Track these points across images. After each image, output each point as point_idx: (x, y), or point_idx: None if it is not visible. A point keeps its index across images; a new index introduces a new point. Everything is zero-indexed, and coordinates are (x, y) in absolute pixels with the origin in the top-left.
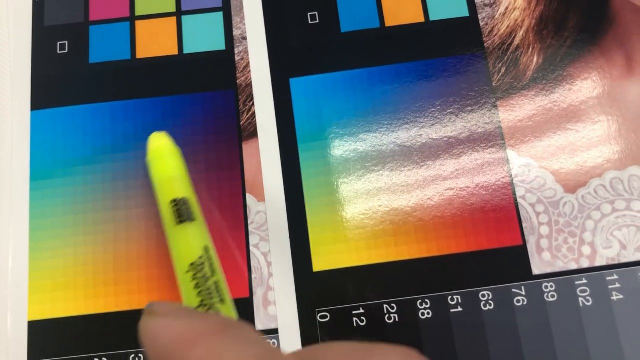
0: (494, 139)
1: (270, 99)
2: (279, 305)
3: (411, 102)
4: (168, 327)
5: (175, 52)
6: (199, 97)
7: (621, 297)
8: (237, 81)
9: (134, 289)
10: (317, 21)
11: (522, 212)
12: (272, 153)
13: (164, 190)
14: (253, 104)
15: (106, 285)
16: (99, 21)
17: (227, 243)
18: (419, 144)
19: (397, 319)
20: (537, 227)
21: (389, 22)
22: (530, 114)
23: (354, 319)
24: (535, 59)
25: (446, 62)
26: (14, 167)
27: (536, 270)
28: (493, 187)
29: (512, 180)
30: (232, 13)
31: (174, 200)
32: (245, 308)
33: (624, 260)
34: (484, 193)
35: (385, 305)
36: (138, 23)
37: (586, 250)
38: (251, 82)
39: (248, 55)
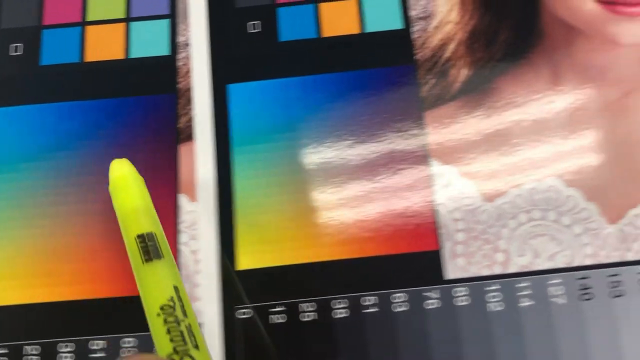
0: (419, 147)
1: (208, 104)
2: (203, 301)
3: (343, 111)
4: None
5: (122, 56)
6: (142, 100)
7: (531, 303)
8: (178, 85)
9: (70, 281)
10: (258, 30)
11: (440, 219)
12: (207, 155)
13: (128, 224)
14: (192, 108)
15: (45, 276)
16: (51, 25)
17: None
18: (348, 150)
19: (314, 318)
20: (453, 234)
21: (326, 32)
22: (455, 124)
23: (273, 316)
24: (464, 71)
25: (378, 72)
26: None
27: (450, 274)
28: (415, 194)
29: (434, 187)
30: (178, 20)
31: (140, 236)
32: None
33: (535, 268)
34: (405, 199)
35: (302, 304)
36: (88, 28)
37: (500, 257)
38: (191, 87)
39: (190, 61)
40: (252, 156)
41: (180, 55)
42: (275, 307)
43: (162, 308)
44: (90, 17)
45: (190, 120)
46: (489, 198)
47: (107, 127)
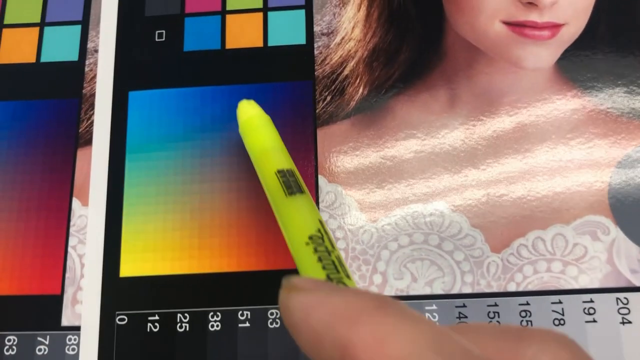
0: (307, 163)
1: (109, 110)
2: (84, 305)
3: (236, 123)
4: (323, 302)
5: (33, 60)
6: (46, 104)
7: None
8: (83, 91)
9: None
10: (163, 39)
11: None
12: (101, 161)
13: (266, 162)
14: (93, 113)
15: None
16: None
17: (47, 241)
18: (237, 164)
19: (187, 329)
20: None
21: (230, 44)
22: (345, 142)
23: (149, 324)
24: (360, 90)
25: (277, 87)
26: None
27: None
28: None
29: (319, 202)
30: (90, 27)
31: (280, 171)
32: (54, 304)
33: (412, 292)
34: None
35: (178, 315)
36: (5, 30)
37: (377, 279)
38: (95, 92)
39: (97, 66)
40: (143, 164)
41: (89, 61)
42: (154, 316)
43: (310, 238)
44: (7, 20)
45: (90, 126)
46: (373, 219)
47: (12, 128)
